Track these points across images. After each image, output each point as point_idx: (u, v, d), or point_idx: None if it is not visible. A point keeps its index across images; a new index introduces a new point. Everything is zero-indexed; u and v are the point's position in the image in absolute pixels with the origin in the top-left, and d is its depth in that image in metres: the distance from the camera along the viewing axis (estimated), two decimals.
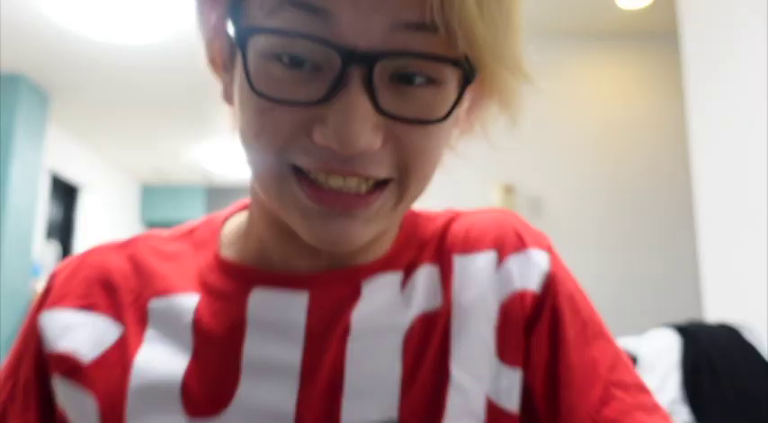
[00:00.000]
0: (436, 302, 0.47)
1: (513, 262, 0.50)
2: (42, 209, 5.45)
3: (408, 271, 0.48)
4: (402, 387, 0.44)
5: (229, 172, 6.91)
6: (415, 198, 0.45)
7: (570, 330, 0.47)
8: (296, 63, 0.37)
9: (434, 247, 0.50)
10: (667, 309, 3.46)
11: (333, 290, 0.46)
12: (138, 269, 0.48)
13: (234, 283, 0.46)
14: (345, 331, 0.45)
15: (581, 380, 0.45)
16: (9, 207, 4.32)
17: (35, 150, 4.67)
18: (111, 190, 6.85)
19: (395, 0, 0.36)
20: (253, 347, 0.44)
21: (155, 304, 0.46)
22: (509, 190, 3.51)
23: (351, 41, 0.36)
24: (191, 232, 0.54)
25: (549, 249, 0.53)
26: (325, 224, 0.40)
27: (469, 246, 0.50)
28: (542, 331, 0.47)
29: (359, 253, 0.47)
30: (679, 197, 3.56)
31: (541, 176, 3.62)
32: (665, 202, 3.62)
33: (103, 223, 6.69)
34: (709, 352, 1.29)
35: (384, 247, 0.48)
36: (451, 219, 0.53)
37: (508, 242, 0.51)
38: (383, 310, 0.46)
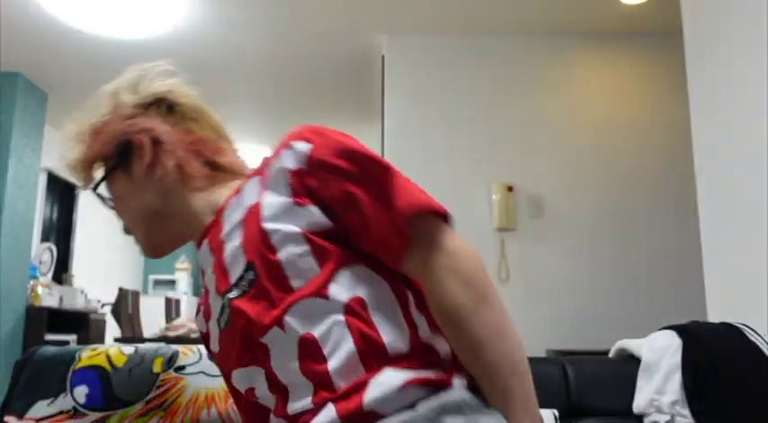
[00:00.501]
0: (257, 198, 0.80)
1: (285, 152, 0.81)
2: (40, 208, 5.43)
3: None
4: (242, 238, 0.79)
5: None
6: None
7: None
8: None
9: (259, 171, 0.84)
10: (668, 309, 3.46)
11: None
12: None
13: None
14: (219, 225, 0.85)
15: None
16: (6, 206, 4.30)
17: (33, 149, 4.65)
18: None
19: None
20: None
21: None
22: (509, 189, 3.51)
23: None
24: None
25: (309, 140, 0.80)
26: None
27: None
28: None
29: None
30: (681, 196, 3.55)
31: (541, 176, 3.62)
32: (666, 201, 3.61)
33: (101, 222, 6.68)
34: (710, 352, 1.29)
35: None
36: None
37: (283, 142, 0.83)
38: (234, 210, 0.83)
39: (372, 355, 0.70)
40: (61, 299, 4.92)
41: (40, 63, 4.27)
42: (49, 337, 4.53)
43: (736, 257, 1.93)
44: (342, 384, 0.69)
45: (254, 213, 0.78)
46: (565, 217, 3.59)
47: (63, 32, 3.82)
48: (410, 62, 3.81)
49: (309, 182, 0.76)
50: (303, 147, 0.78)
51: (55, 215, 5.99)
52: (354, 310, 0.72)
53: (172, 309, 5.49)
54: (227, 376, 0.87)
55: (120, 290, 4.71)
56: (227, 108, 5.13)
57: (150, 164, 0.87)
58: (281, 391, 0.74)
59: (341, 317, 0.71)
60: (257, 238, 0.76)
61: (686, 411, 1.25)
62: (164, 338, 4.09)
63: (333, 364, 0.70)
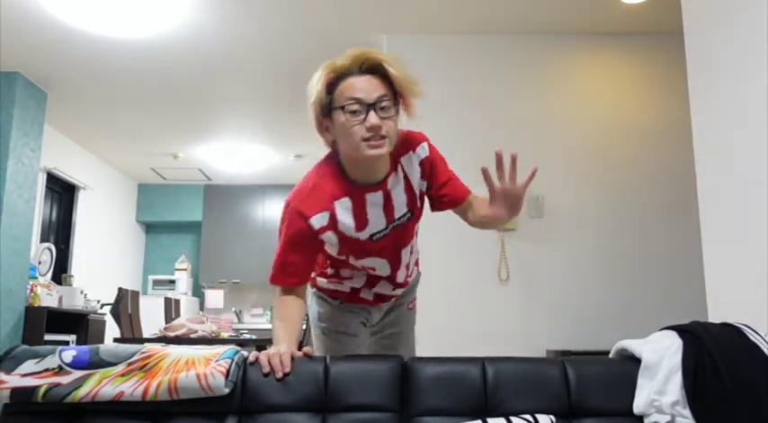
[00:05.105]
0: (402, 173, 1.60)
1: (419, 149, 1.63)
2: (39, 208, 5.43)
3: (395, 172, 1.59)
4: (408, 200, 1.60)
5: (226, 170, 6.90)
6: (392, 145, 1.49)
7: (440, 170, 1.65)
8: (352, 112, 1.43)
9: (395, 161, 1.60)
10: (669, 309, 3.45)
11: (382, 185, 1.56)
12: (320, 191, 1.53)
13: (359, 190, 1.54)
14: (389, 192, 1.57)
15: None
16: (5, 206, 4.30)
17: (32, 149, 4.65)
18: (108, 189, 6.83)
19: (376, 92, 1.44)
20: (369, 208, 1.56)
21: (336, 202, 1.52)
22: None
23: (366, 101, 1.43)
24: (321, 170, 1.58)
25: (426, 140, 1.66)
26: (373, 152, 1.44)
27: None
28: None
29: (381, 171, 1.56)
30: (681, 196, 3.55)
31: (541, 176, 3.60)
32: (667, 201, 3.61)
33: (100, 222, 6.67)
34: (711, 353, 1.28)
35: (387, 169, 1.57)
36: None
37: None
38: (395, 181, 1.59)
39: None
40: (60, 299, 4.92)
41: (40, 62, 4.27)
42: (49, 337, 4.52)
43: (736, 257, 1.92)
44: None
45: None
46: (565, 217, 3.59)
47: (63, 31, 3.81)
48: (410, 62, 3.80)
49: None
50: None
51: (54, 215, 5.98)
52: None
53: (171, 309, 5.48)
54: (353, 258, 1.63)
55: (120, 290, 4.71)
56: (227, 108, 5.13)
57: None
58: (394, 270, 1.68)
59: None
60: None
61: (687, 412, 1.25)
62: (163, 338, 4.09)
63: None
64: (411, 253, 1.71)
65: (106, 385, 1.27)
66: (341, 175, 1.53)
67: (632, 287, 3.51)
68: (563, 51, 3.81)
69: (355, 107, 1.41)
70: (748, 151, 1.86)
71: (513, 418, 1.23)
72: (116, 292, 4.73)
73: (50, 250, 5.10)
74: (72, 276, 5.58)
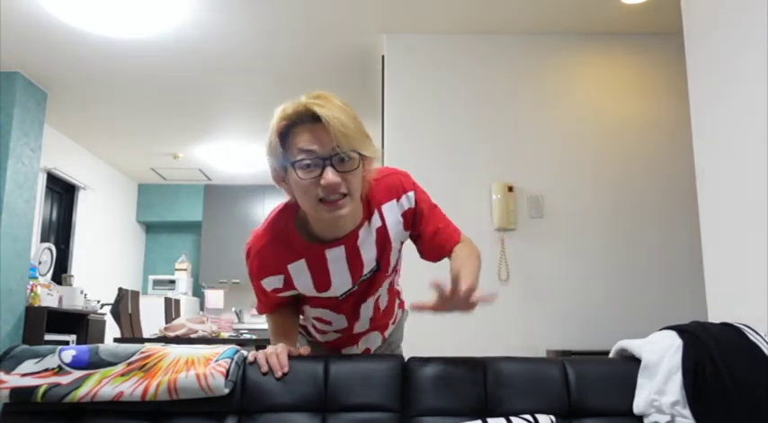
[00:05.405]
0: (380, 223, 1.39)
1: (404, 199, 1.41)
2: (39, 208, 5.43)
3: (368, 222, 1.38)
4: (377, 254, 1.40)
5: (226, 170, 6.90)
6: (356, 201, 1.29)
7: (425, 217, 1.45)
8: (305, 167, 1.21)
9: (372, 208, 1.39)
10: (669, 309, 3.45)
11: (348, 240, 1.35)
12: (272, 252, 1.37)
13: (317, 247, 1.34)
14: (357, 247, 1.37)
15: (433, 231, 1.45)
16: (5, 206, 4.30)
17: (32, 149, 4.65)
18: (108, 189, 6.83)
19: (333, 142, 1.19)
20: (331, 267, 1.37)
21: (290, 266, 1.37)
22: (509, 189, 3.51)
23: (320, 154, 1.20)
24: (272, 228, 1.39)
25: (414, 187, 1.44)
26: (331, 215, 1.25)
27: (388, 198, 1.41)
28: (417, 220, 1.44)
29: (348, 226, 1.35)
30: (681, 196, 3.55)
31: (541, 176, 3.62)
32: (667, 201, 3.61)
33: (100, 222, 6.67)
34: (711, 352, 1.28)
35: (357, 221, 1.36)
36: (370, 193, 1.38)
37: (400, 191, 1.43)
38: (366, 234, 1.37)
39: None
40: (60, 299, 4.92)
41: (40, 62, 4.27)
42: (49, 337, 4.52)
43: (736, 257, 1.92)
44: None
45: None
46: (565, 217, 3.59)
47: (63, 31, 3.81)
48: (410, 62, 3.81)
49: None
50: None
51: (54, 215, 5.98)
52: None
53: (171, 309, 5.48)
54: (308, 306, 1.52)
55: (120, 290, 4.71)
56: (227, 108, 5.13)
57: None
58: (352, 323, 1.53)
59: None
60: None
61: (687, 412, 1.25)
62: (163, 338, 4.09)
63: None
64: (378, 309, 1.53)
65: (106, 385, 1.27)
66: (297, 232, 1.35)
67: (632, 287, 3.51)
68: (563, 51, 3.81)
69: (308, 161, 1.19)
70: (748, 151, 1.86)
71: (513, 418, 1.23)
72: (116, 292, 4.73)
73: (50, 250, 5.10)
74: (72, 276, 5.57)
